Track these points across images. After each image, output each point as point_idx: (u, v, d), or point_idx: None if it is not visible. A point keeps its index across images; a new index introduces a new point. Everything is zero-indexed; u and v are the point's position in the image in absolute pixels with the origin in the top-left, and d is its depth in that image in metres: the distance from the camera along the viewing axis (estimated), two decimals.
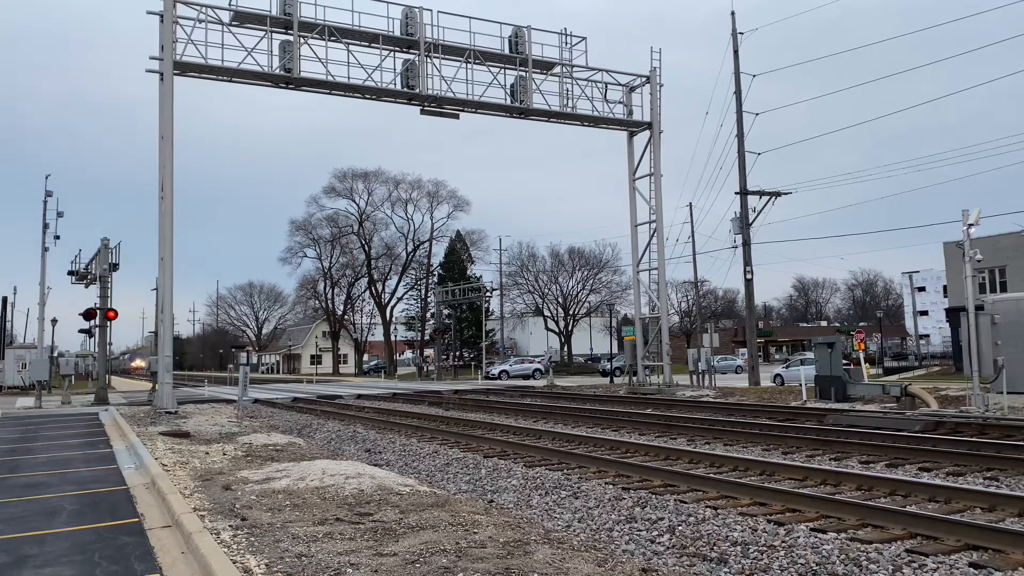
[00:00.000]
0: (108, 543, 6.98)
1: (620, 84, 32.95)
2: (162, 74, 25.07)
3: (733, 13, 34.47)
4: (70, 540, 7.15)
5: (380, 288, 77.23)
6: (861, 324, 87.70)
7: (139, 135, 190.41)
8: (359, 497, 8.47)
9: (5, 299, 53.60)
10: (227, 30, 26.03)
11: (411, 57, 28.63)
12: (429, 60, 28.69)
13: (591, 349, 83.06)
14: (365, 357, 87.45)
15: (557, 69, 31.32)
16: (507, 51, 30.10)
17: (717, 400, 26.21)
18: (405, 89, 28.59)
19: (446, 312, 69.08)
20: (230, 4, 25.92)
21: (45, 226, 40.83)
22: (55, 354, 41.38)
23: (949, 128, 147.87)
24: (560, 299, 76.54)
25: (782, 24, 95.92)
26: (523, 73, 30.26)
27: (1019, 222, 54.09)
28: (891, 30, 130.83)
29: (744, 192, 33.71)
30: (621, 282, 73.26)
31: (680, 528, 7.67)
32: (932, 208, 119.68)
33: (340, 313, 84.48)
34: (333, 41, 27.43)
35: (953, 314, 39.83)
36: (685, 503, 8.98)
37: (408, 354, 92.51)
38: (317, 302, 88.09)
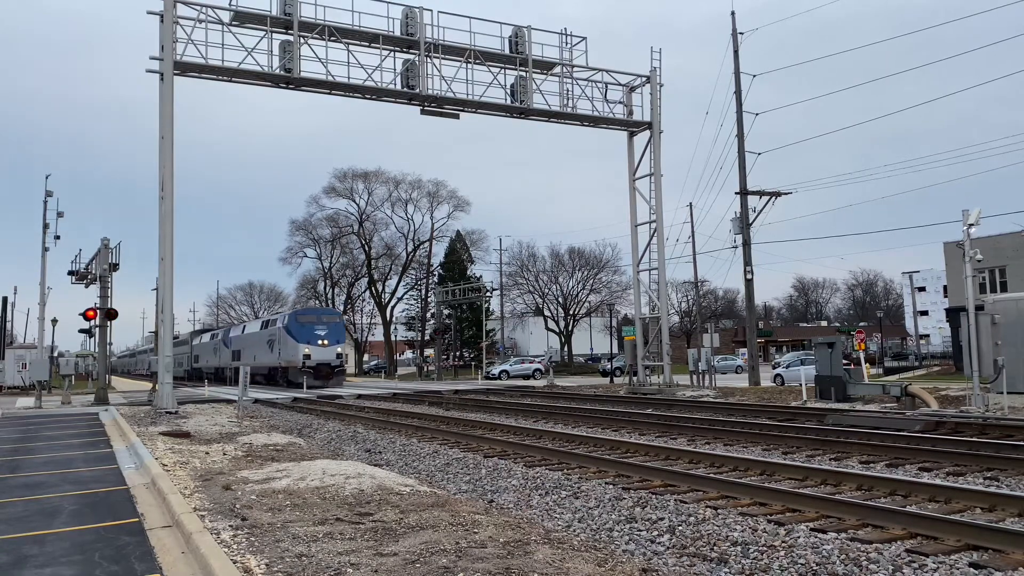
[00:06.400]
0: (108, 543, 6.98)
1: (620, 84, 32.97)
2: (162, 74, 25.09)
3: (733, 13, 34.52)
4: (70, 540, 7.15)
5: (380, 288, 77.25)
6: (861, 324, 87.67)
7: (139, 135, 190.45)
8: (359, 497, 8.47)
9: (5, 299, 53.65)
10: (227, 30, 26.05)
11: (411, 57, 28.64)
12: (429, 60, 28.70)
13: (591, 349, 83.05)
14: (365, 357, 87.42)
15: (557, 69, 31.33)
16: (507, 51, 30.11)
17: (717, 400, 26.21)
18: (405, 89, 28.60)
19: (446, 312, 69.07)
20: (230, 4, 25.95)
21: (45, 226, 40.94)
22: (55, 354, 41.43)
23: (943, 130, 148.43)
24: (560, 299, 76.58)
25: (775, 28, 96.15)
26: (523, 73, 30.27)
27: (1019, 222, 54.09)
28: (882, 34, 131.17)
29: (744, 192, 33.71)
30: (621, 282, 73.38)
31: (680, 528, 7.67)
32: (931, 208, 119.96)
33: (340, 313, 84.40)
34: (333, 41, 27.45)
35: (953, 314, 39.84)
36: (685, 503, 8.97)
37: (408, 354, 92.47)
38: (317, 302, 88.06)
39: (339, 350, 44.19)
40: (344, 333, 49.31)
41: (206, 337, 68.26)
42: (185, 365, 71.47)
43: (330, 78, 27.36)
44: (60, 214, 41.09)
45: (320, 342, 43.12)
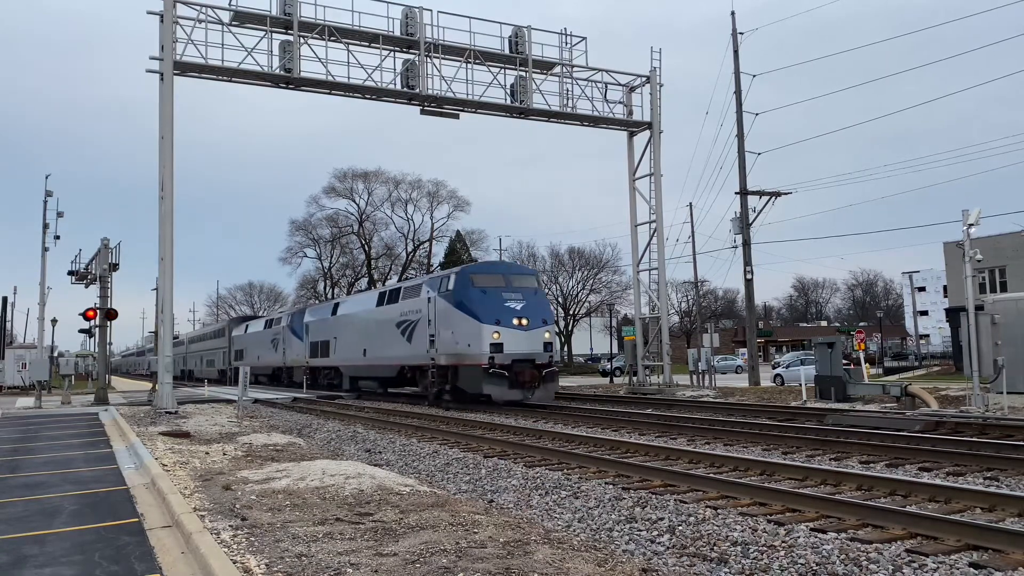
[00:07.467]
0: (108, 543, 6.98)
1: (620, 84, 32.95)
2: (162, 74, 25.09)
3: (733, 13, 34.53)
4: (70, 540, 7.15)
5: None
6: (861, 324, 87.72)
7: (139, 135, 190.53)
8: (359, 497, 8.47)
9: (5, 299, 53.64)
10: (227, 30, 26.04)
11: (411, 57, 28.63)
12: (429, 60, 28.69)
13: (591, 349, 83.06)
14: None
15: (557, 69, 31.30)
16: (507, 51, 30.09)
17: (717, 400, 26.21)
18: (405, 89, 28.59)
19: None
20: (230, 4, 25.94)
21: (45, 226, 40.95)
22: (55, 354, 41.43)
23: (943, 130, 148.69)
24: (560, 299, 76.57)
25: (775, 28, 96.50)
26: (523, 73, 30.25)
27: (1019, 222, 54.16)
28: (882, 34, 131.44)
29: (744, 192, 33.71)
30: (621, 282, 73.38)
31: (680, 528, 7.67)
32: (931, 208, 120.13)
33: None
34: (333, 41, 27.44)
35: (953, 314, 39.84)
36: (685, 503, 8.98)
37: None
38: (317, 302, 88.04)
39: (547, 335, 25.52)
40: (550, 308, 28.95)
41: (257, 325, 51.43)
42: (219, 363, 56.55)
43: (330, 78, 27.35)
44: (60, 214, 41.14)
45: (516, 320, 24.72)
